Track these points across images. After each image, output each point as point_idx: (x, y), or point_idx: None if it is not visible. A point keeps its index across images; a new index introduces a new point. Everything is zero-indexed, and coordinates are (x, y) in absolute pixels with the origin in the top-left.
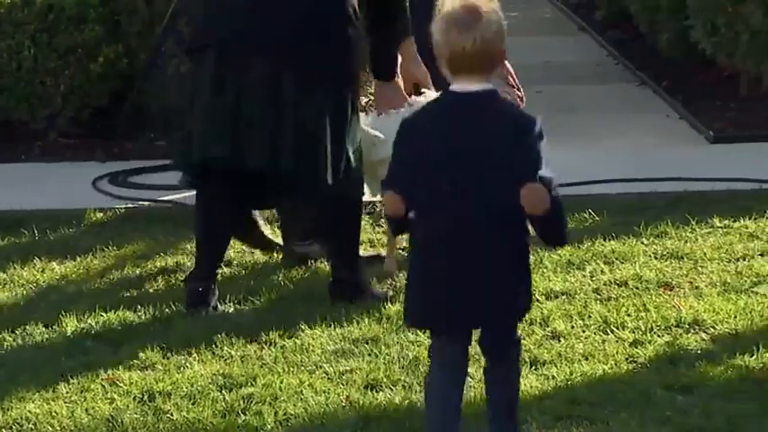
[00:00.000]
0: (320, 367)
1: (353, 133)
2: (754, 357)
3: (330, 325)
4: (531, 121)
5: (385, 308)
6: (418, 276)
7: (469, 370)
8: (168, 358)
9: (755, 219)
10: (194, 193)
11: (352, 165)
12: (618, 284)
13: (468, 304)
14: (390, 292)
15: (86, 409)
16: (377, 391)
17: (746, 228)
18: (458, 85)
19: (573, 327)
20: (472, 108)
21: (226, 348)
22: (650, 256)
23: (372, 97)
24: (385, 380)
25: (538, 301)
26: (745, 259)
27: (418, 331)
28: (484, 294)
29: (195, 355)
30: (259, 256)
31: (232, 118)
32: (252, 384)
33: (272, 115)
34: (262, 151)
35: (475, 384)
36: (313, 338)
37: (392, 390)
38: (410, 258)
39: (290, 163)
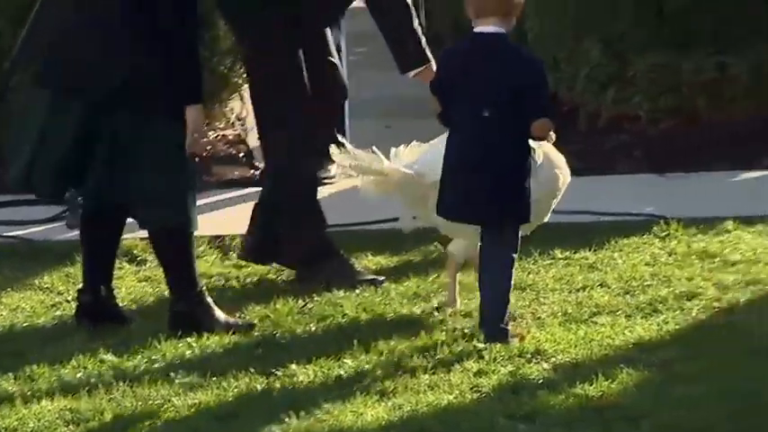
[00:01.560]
0: (169, 401)
1: (174, 161)
2: (593, 386)
3: (180, 357)
4: (537, 62)
5: (236, 341)
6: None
7: None
8: (15, 393)
9: (595, 250)
10: (39, 228)
11: (174, 193)
12: (463, 316)
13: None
14: (240, 321)
15: None
16: (226, 424)
17: (586, 259)
18: (478, 28)
19: (419, 357)
20: (484, 44)
21: (74, 382)
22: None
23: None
24: (234, 412)
25: (385, 332)
26: (584, 290)
27: (267, 363)
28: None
29: (43, 389)
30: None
31: (54, 147)
32: (100, 419)
33: (82, 144)
34: (56, 179)
35: None
36: (162, 372)
37: (238, 421)
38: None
39: (109, 192)
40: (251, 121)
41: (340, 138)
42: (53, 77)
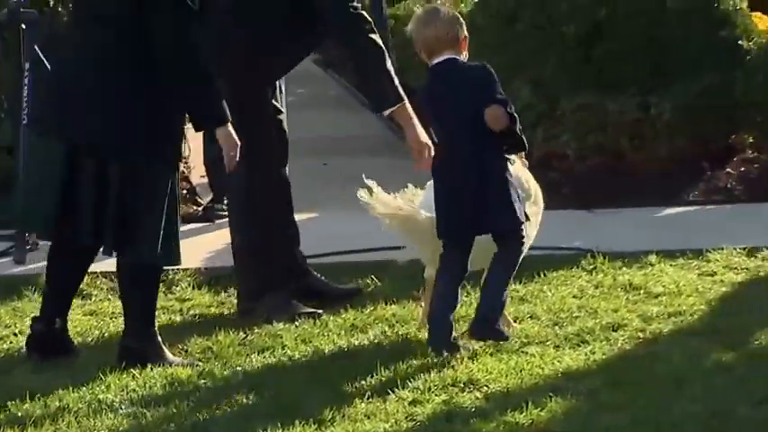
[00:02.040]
0: (113, 430)
1: (153, 203)
2: (523, 414)
3: (123, 388)
4: (482, 67)
5: (179, 372)
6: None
7: None
8: None
9: (525, 283)
10: None
11: (150, 231)
12: (399, 347)
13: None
14: (186, 361)
15: None
16: None
17: (517, 291)
18: (433, 61)
19: (356, 387)
20: (439, 71)
21: (20, 413)
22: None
23: None
24: None
25: (323, 362)
26: (515, 321)
27: (209, 393)
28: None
29: None
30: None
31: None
32: None
33: (69, 186)
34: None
35: None
36: (106, 402)
37: None
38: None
39: (89, 233)
40: (193, 159)
41: (369, 182)
42: (42, 121)
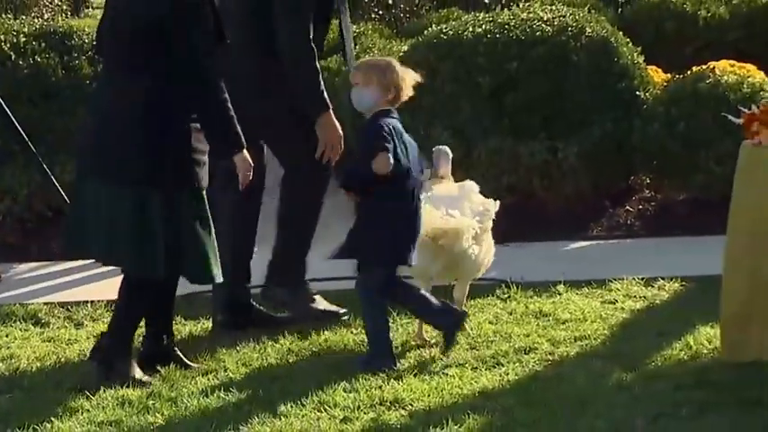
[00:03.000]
0: None
1: (147, 224)
2: (444, 430)
3: (77, 410)
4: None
5: (130, 393)
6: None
7: None
8: None
9: None
10: None
11: (136, 249)
12: (331, 370)
13: None
14: (146, 377)
15: None
16: None
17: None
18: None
19: (292, 406)
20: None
21: None
22: (362, 345)
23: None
24: None
25: (263, 383)
26: (437, 346)
27: (158, 414)
28: None
29: None
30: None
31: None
32: None
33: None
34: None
35: None
36: (62, 422)
37: None
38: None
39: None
40: None
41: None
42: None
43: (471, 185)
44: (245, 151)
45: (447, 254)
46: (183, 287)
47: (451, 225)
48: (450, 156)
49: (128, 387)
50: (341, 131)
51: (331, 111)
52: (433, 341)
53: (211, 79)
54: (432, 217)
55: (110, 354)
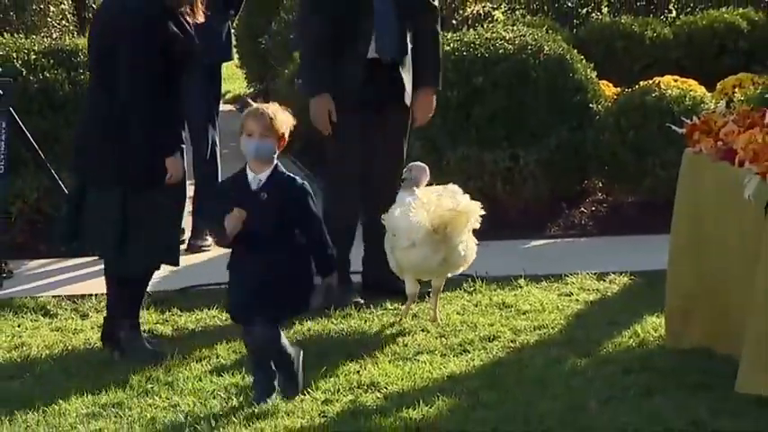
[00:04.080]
0: (75, 428)
1: (142, 222)
2: (416, 411)
3: (83, 393)
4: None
5: (130, 378)
6: None
7: None
8: None
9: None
10: None
11: (132, 245)
12: (313, 356)
13: None
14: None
15: None
16: None
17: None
18: None
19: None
20: None
21: None
22: (341, 334)
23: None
24: None
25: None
26: (409, 334)
27: (157, 396)
28: None
29: None
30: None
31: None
32: None
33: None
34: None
35: None
36: (69, 404)
37: None
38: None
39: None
40: None
41: None
42: None
43: (454, 188)
44: (173, 158)
45: (447, 246)
46: (179, 281)
47: (463, 206)
48: (428, 171)
49: (133, 372)
50: None
51: None
52: (407, 330)
53: (131, 96)
54: (440, 203)
55: (123, 342)
